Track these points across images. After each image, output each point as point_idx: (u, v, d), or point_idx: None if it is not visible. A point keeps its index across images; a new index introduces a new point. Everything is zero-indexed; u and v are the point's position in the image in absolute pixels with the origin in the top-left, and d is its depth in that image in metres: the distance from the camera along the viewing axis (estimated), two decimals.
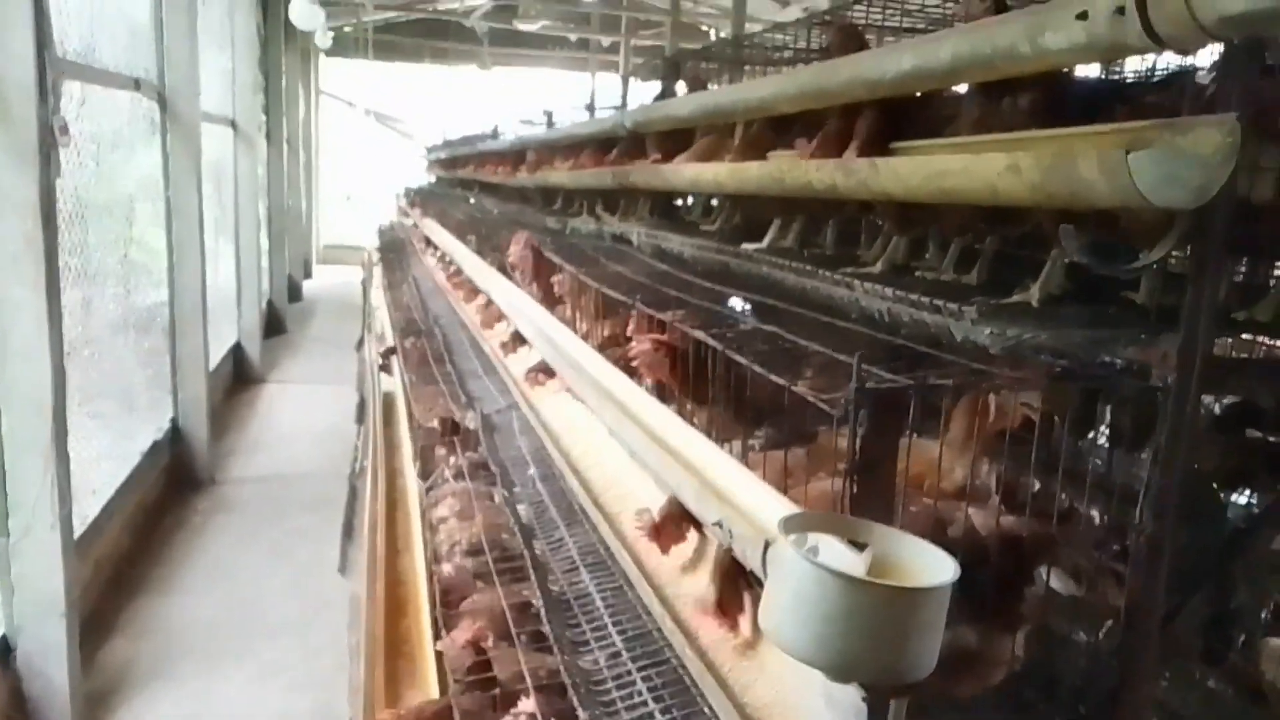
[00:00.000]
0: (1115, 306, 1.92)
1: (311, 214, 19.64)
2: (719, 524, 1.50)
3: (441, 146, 12.96)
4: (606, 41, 17.34)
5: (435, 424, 4.50)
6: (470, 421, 4.34)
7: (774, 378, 1.65)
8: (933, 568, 1.20)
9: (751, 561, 1.38)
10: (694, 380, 2.12)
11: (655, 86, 4.67)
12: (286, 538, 5.76)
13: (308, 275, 17.41)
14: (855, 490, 1.36)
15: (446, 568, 3.34)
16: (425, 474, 4.24)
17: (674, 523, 2.08)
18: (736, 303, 2.79)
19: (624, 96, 10.55)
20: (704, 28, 16.53)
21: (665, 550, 2.15)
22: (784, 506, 1.41)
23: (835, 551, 1.26)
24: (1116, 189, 1.38)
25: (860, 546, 1.30)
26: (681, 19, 11.78)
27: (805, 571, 1.12)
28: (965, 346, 1.68)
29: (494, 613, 2.91)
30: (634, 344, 2.21)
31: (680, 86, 4.13)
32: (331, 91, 20.85)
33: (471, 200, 9.44)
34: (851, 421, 1.35)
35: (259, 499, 6.49)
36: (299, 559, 5.43)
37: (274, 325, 12.39)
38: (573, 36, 18.23)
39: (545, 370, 3.21)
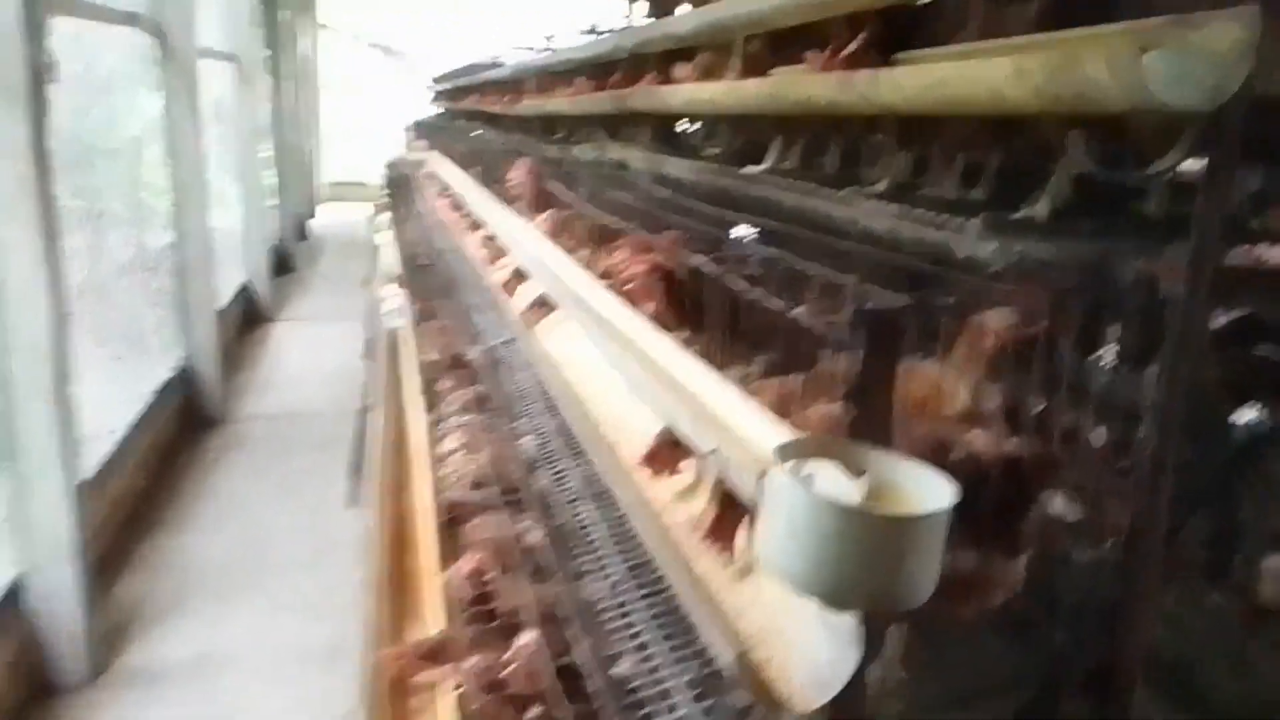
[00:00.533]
0: (1124, 219, 1.85)
1: (316, 151, 19.45)
2: (714, 452, 1.46)
3: (446, 78, 12.72)
4: None
5: (440, 358, 4.46)
6: (475, 355, 4.31)
7: (770, 302, 1.60)
8: (931, 492, 1.15)
9: (747, 490, 1.34)
10: (690, 306, 2.07)
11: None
12: (295, 475, 5.79)
13: (312, 214, 17.31)
14: (854, 415, 1.31)
15: (451, 501, 3.33)
16: (431, 408, 4.22)
17: (667, 451, 2.03)
18: (737, 227, 2.72)
19: (629, 15, 10.34)
20: None
21: (659, 477, 2.11)
22: (780, 434, 1.36)
23: (831, 479, 1.21)
24: (1126, 90, 1.31)
25: (859, 472, 1.26)
26: None
27: (800, 500, 1.08)
28: (969, 264, 1.61)
29: (497, 545, 2.90)
30: (628, 268, 2.15)
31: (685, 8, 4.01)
32: (333, 24, 20.47)
33: (475, 132, 9.28)
34: (851, 345, 1.29)
35: (269, 437, 6.52)
36: (308, 496, 5.46)
37: (282, 264, 12.36)
38: None
39: (545, 304, 3.15)
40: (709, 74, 3.13)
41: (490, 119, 9.05)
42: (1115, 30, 1.39)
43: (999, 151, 2.24)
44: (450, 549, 3.05)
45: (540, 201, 3.71)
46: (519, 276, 3.92)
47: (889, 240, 1.84)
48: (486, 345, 4.27)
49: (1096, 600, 1.51)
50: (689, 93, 3.09)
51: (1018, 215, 1.74)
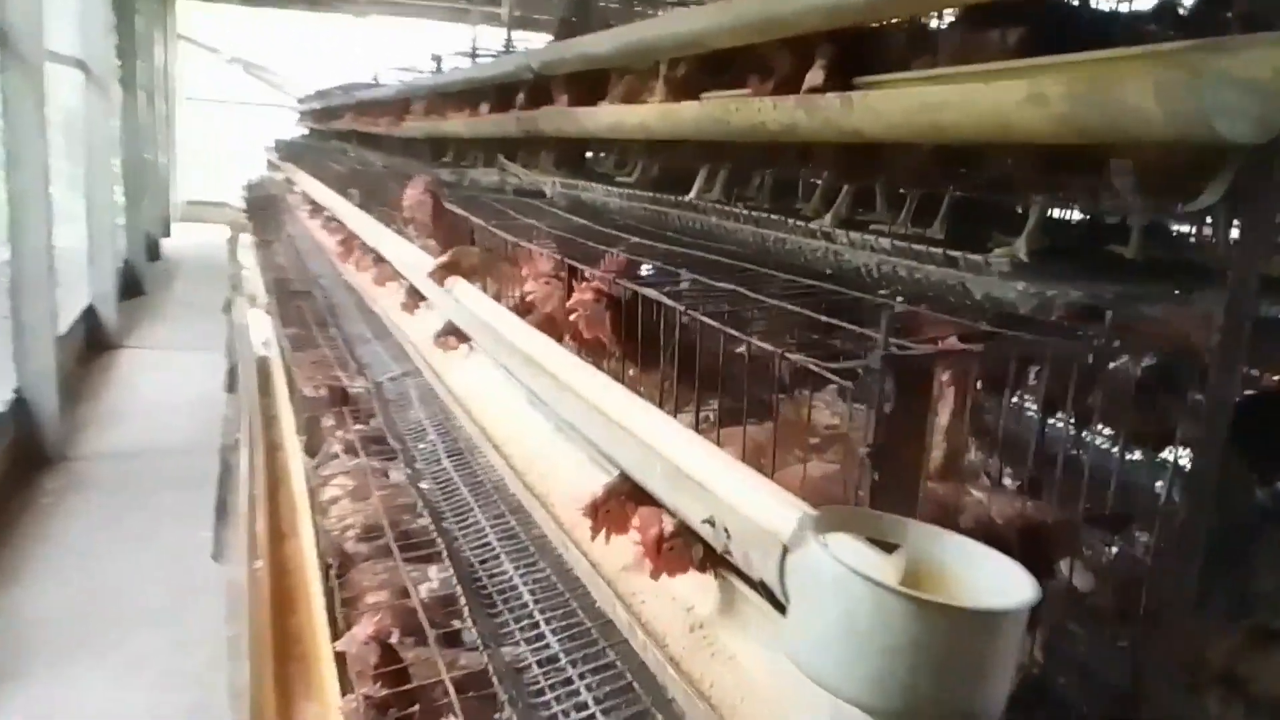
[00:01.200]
0: (1101, 260, 1.76)
1: (171, 167, 18.40)
2: (709, 521, 1.25)
3: (315, 97, 12.18)
4: None
5: (321, 392, 4.11)
6: (360, 389, 3.97)
7: (762, 344, 1.41)
8: (992, 577, 0.98)
9: (760, 570, 1.13)
10: (640, 340, 1.86)
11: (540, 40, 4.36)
12: (151, 519, 5.25)
13: (167, 234, 16.30)
14: (877, 478, 1.13)
15: (341, 553, 3.01)
16: (312, 449, 3.87)
17: (617, 504, 1.80)
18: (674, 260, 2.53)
19: (507, 46, 10.10)
20: None
21: (597, 535, 1.87)
22: (787, 500, 1.17)
23: (865, 557, 1.03)
24: (1177, 119, 1.18)
25: (888, 547, 1.08)
26: None
27: (858, 592, 0.88)
28: (990, 305, 1.46)
29: (399, 605, 2.61)
30: (574, 295, 1.92)
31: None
32: (193, 37, 19.47)
33: (350, 153, 8.85)
34: (877, 395, 1.11)
35: (119, 477, 5.93)
36: (166, 542, 4.95)
37: (131, 286, 11.52)
38: None
39: (456, 334, 2.90)
40: (627, 99, 2.96)
41: (368, 139, 8.65)
42: (1155, 52, 1.26)
43: (955, 185, 2.14)
44: (343, 610, 2.73)
45: (440, 226, 3.45)
46: (415, 298, 3.61)
47: (872, 280, 1.69)
48: (377, 379, 3.95)
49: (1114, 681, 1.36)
50: (613, 116, 2.90)
51: (1042, 251, 1.60)
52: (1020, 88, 1.38)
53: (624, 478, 1.69)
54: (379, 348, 4.69)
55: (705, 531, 1.29)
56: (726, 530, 1.22)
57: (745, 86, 2.28)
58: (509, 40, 10.38)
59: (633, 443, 1.56)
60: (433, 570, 2.70)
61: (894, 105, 1.69)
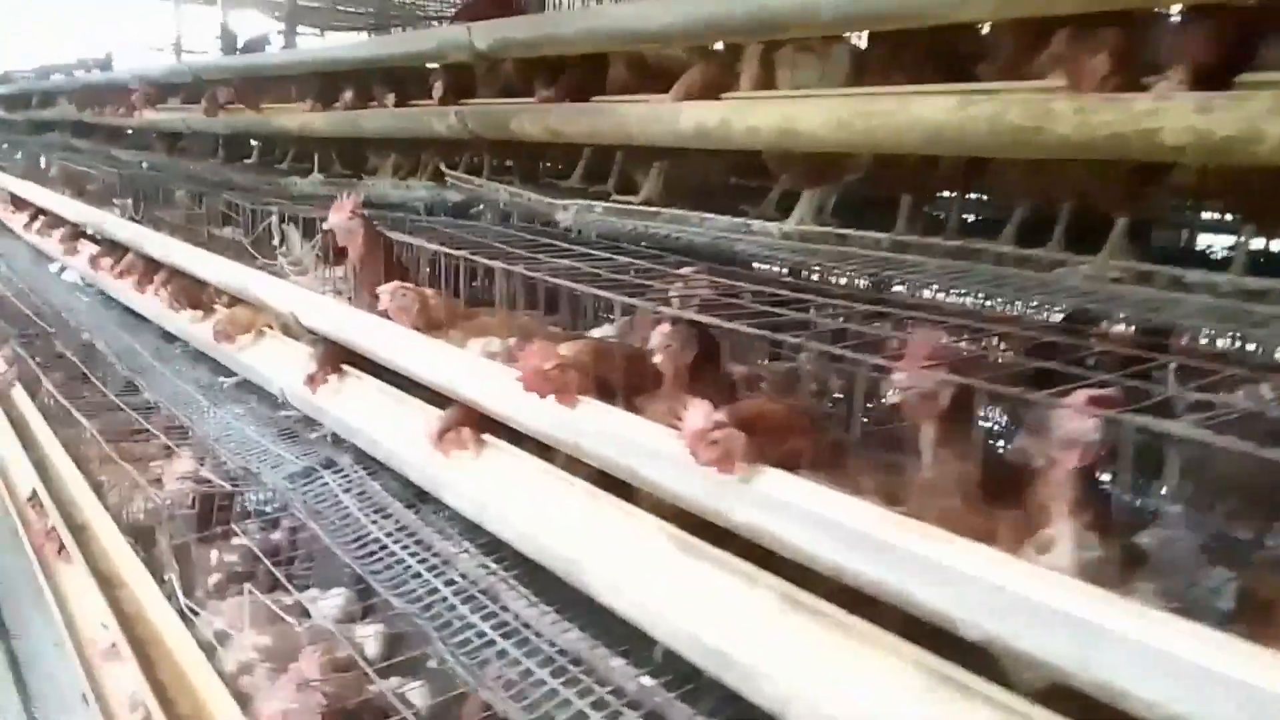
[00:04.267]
0: None
1: None
2: None
3: (9, 79, 9.75)
4: None
5: (178, 496, 2.95)
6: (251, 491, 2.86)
7: None
8: None
9: None
10: None
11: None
12: None
13: None
14: None
15: None
16: (187, 589, 2.72)
17: None
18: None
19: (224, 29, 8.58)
20: None
21: None
22: None
23: None
24: None
25: None
26: None
27: None
28: None
29: None
30: None
31: None
32: None
33: (80, 149, 7.04)
34: None
35: None
36: None
37: None
38: None
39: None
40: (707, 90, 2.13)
41: (99, 132, 6.96)
42: None
43: None
44: None
45: (369, 254, 2.44)
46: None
47: None
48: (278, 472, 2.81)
49: None
50: (778, 115, 1.99)
51: None
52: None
53: None
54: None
55: None
56: None
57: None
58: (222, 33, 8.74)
59: None
60: None
61: None
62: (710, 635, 1.35)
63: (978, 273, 1.51)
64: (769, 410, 1.55)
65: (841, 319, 1.56)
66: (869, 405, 1.60)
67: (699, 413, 1.52)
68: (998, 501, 1.27)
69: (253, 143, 5.01)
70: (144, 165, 5.82)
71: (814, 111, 1.70)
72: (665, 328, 1.66)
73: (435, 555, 2.36)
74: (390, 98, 3.15)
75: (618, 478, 1.76)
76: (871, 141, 1.65)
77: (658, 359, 1.68)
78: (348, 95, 3.52)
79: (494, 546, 2.30)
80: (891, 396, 1.29)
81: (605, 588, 1.55)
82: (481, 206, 2.98)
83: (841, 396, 1.68)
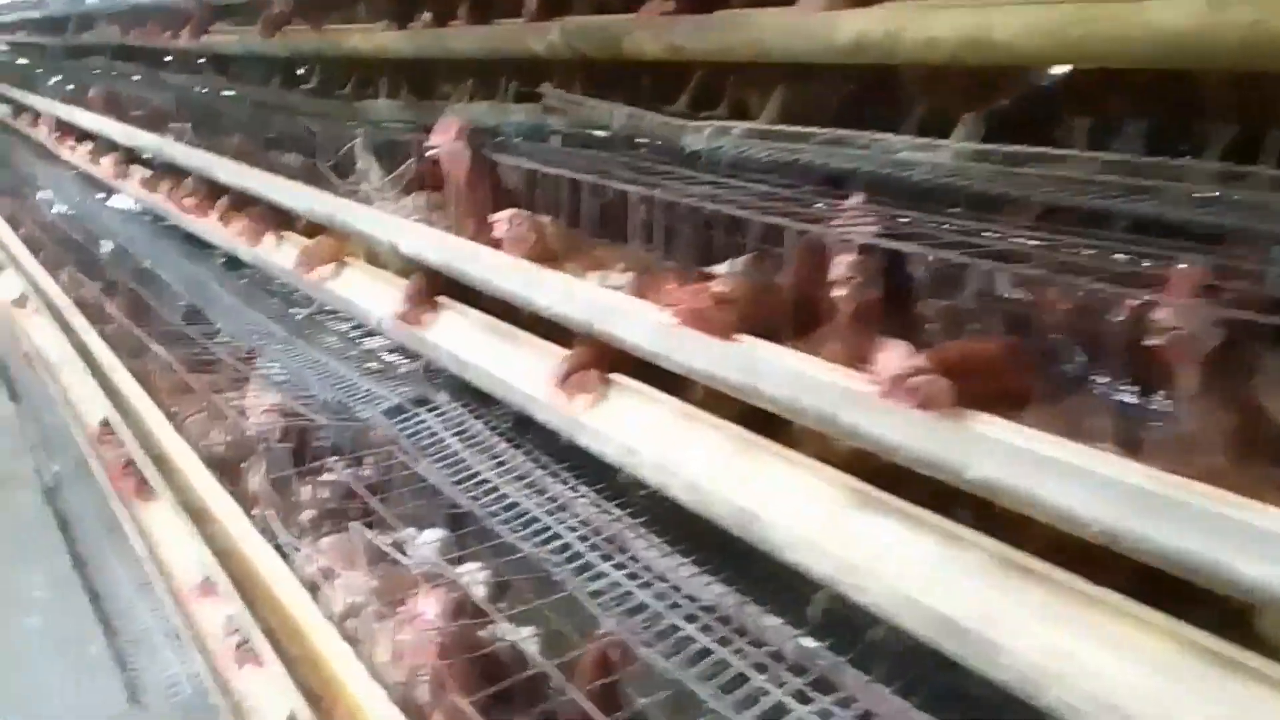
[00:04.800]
0: None
1: None
2: None
3: (33, 4, 9.62)
4: None
5: (268, 429, 2.85)
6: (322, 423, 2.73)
7: None
8: None
9: None
10: None
11: None
12: None
13: None
14: None
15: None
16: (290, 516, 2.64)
17: None
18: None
19: None
20: None
21: None
22: None
23: None
24: None
25: None
26: None
27: None
28: None
29: None
30: None
31: None
32: None
33: (135, 77, 6.85)
34: None
35: None
36: None
37: None
38: None
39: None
40: None
41: (153, 59, 6.76)
42: None
43: None
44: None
45: (475, 182, 2.30)
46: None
47: None
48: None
49: None
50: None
51: None
52: None
53: None
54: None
55: None
56: None
57: None
58: None
59: None
60: None
61: None
62: (931, 599, 1.22)
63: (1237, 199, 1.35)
64: (978, 351, 1.41)
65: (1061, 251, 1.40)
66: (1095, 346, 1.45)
67: (896, 354, 1.38)
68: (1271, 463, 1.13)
69: (311, 68, 4.81)
70: (200, 90, 5.65)
71: (1015, 18, 1.52)
72: (848, 258, 1.52)
73: (549, 499, 2.26)
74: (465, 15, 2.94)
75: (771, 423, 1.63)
76: (1084, 54, 1.47)
77: (839, 293, 1.53)
78: (426, 15, 3.33)
79: (618, 492, 2.19)
80: (1152, 337, 1.14)
81: (791, 542, 1.42)
82: (572, 133, 2.80)
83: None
